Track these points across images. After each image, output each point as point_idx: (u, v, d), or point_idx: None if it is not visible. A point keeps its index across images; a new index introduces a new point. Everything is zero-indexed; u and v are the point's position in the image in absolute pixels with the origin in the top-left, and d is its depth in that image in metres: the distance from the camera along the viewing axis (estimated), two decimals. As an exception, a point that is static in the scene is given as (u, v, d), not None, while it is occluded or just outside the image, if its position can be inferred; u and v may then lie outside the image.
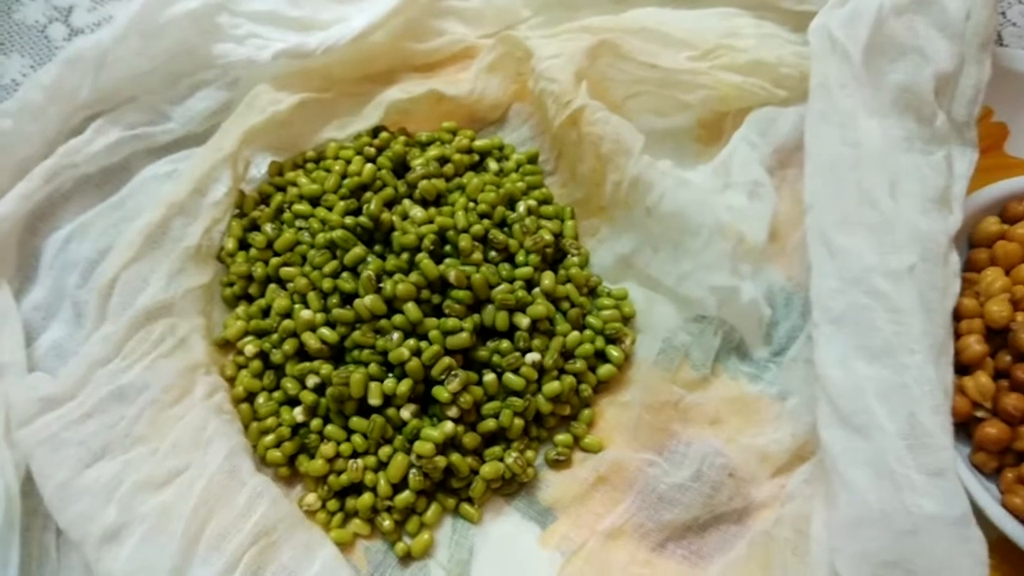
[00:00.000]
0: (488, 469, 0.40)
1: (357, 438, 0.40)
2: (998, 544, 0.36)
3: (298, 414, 0.41)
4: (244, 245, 0.45)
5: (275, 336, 0.42)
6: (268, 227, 0.44)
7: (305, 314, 0.41)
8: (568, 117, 0.44)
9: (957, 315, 0.40)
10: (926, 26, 0.40)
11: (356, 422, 0.40)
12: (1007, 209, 0.42)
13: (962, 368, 0.39)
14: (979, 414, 0.39)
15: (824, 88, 0.40)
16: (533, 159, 0.48)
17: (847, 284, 0.37)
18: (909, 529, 0.32)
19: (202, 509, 0.36)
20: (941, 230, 0.38)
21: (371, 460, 0.40)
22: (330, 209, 0.44)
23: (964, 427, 0.39)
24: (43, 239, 0.44)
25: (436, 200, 0.44)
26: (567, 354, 0.42)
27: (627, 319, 0.44)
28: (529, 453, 0.41)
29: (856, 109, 0.39)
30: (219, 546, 0.35)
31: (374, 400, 0.39)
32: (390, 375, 0.40)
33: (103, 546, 0.35)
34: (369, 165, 0.45)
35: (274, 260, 0.43)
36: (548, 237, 0.43)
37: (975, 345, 0.39)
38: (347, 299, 0.41)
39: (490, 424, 0.40)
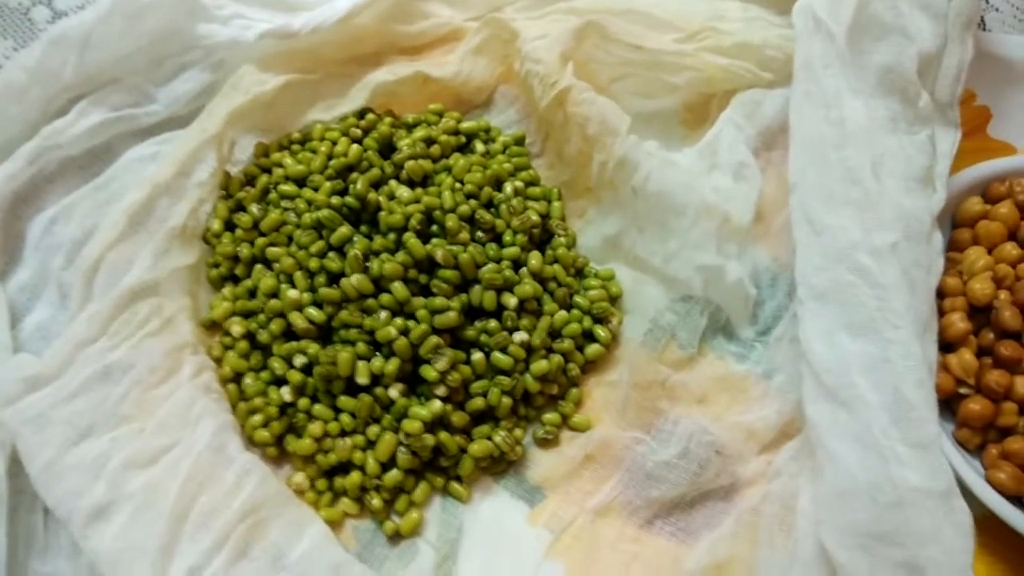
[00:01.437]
0: (476, 448, 0.40)
1: (345, 417, 0.40)
2: (983, 521, 0.37)
3: (285, 394, 0.41)
4: (230, 226, 0.44)
5: (262, 316, 0.42)
6: (254, 208, 0.44)
7: (292, 294, 0.41)
8: (554, 98, 0.44)
9: (941, 293, 0.40)
10: (909, 6, 0.40)
11: (344, 401, 0.40)
12: (989, 189, 0.43)
13: (946, 346, 0.40)
14: (963, 391, 0.39)
15: (808, 68, 0.40)
16: (520, 141, 0.48)
17: (831, 261, 0.37)
18: (895, 501, 0.33)
19: (190, 486, 0.35)
20: (924, 208, 0.39)
21: (359, 439, 0.40)
22: (316, 190, 0.43)
23: (948, 404, 0.40)
24: (27, 221, 0.44)
25: (423, 181, 0.44)
26: (554, 334, 0.42)
27: (614, 299, 0.44)
28: (517, 432, 0.41)
29: (840, 89, 0.39)
30: (207, 523, 0.35)
31: (362, 379, 0.39)
32: (377, 354, 0.40)
33: (91, 524, 0.34)
34: (355, 146, 0.44)
35: (260, 240, 0.43)
36: (535, 218, 0.43)
37: (958, 323, 0.39)
38: (334, 279, 0.41)
39: (478, 403, 0.40)
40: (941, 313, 0.40)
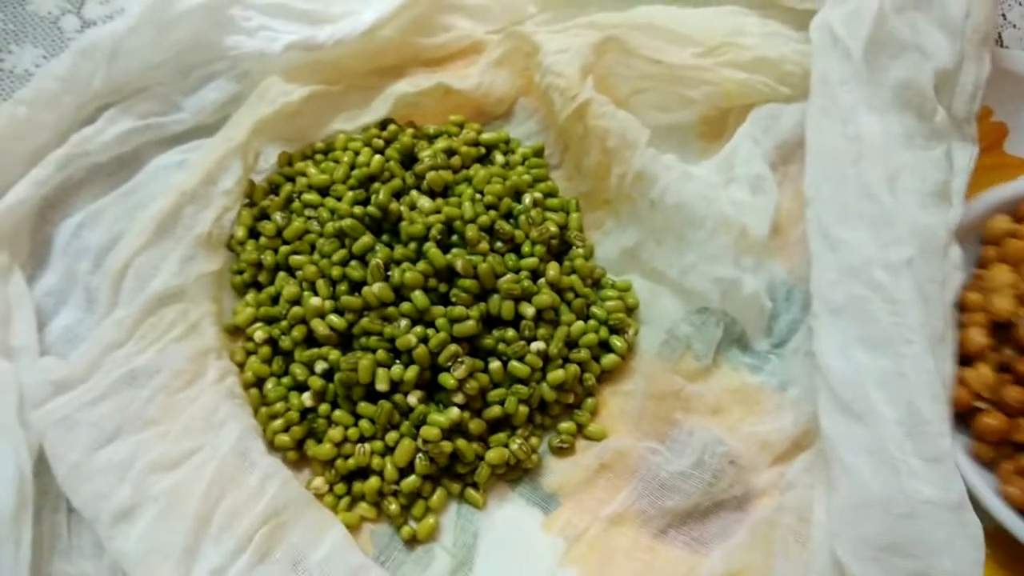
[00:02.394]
0: (493, 455, 0.41)
1: (364, 423, 0.41)
2: (995, 534, 0.37)
3: (307, 399, 0.41)
4: (254, 233, 0.45)
5: (284, 323, 0.43)
6: (278, 216, 0.45)
7: (314, 301, 0.41)
8: (574, 111, 0.44)
9: (962, 307, 0.41)
10: (926, 23, 0.41)
11: (364, 407, 0.41)
12: (1019, 208, 0.43)
13: (965, 359, 0.40)
14: (979, 405, 0.39)
15: (825, 84, 0.41)
16: (539, 152, 0.49)
17: (846, 276, 0.38)
18: (907, 513, 0.33)
19: (214, 489, 0.36)
20: (940, 223, 0.39)
21: (378, 445, 0.41)
22: (339, 199, 0.44)
23: (964, 418, 0.40)
24: (55, 226, 0.45)
25: (443, 191, 0.45)
26: (571, 343, 0.43)
27: (631, 310, 0.45)
28: (533, 440, 0.42)
29: (857, 105, 0.40)
30: (230, 526, 0.35)
31: (381, 386, 0.40)
32: (397, 361, 0.41)
33: (116, 525, 0.35)
34: (377, 156, 0.45)
35: (283, 248, 0.44)
36: (553, 229, 0.44)
37: (978, 337, 0.40)
38: (355, 287, 0.42)
39: (495, 411, 0.41)
40: (961, 327, 0.40)
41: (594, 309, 0.44)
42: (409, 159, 0.46)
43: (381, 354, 0.40)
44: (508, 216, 0.45)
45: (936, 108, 0.40)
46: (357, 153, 0.46)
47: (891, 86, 0.40)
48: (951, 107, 0.42)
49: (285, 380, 0.42)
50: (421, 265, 0.41)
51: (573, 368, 0.42)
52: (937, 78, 0.40)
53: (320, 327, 0.41)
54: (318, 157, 0.47)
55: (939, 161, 0.40)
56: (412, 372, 0.40)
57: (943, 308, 0.38)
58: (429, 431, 0.39)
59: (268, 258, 0.44)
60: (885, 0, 0.40)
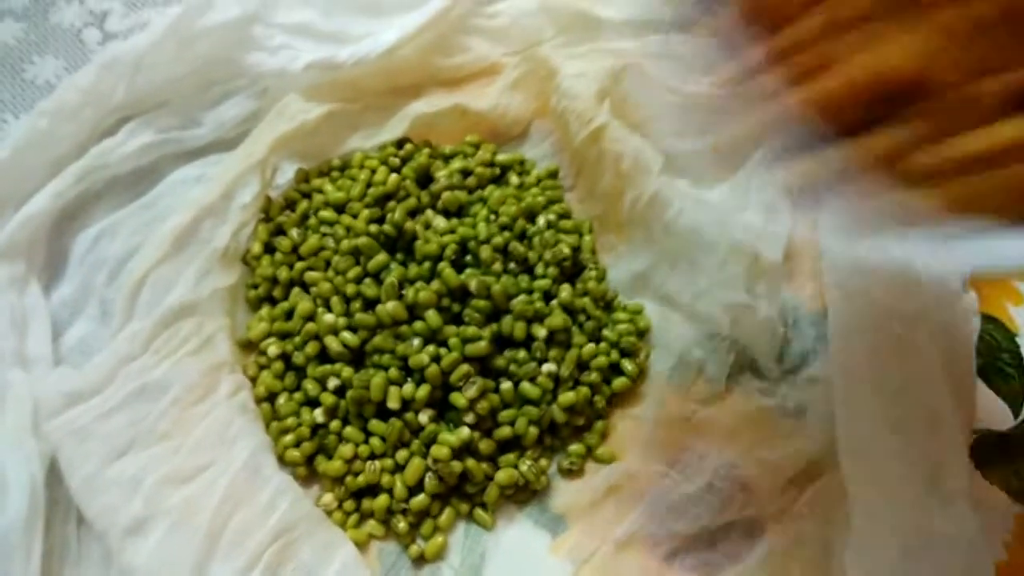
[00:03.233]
0: (502, 475, 0.41)
1: (375, 440, 0.41)
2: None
3: (318, 415, 0.41)
4: (269, 249, 0.45)
5: (297, 338, 0.43)
6: (294, 232, 0.45)
7: (328, 318, 0.42)
8: (589, 134, 0.45)
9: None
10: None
11: (375, 425, 0.41)
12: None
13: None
14: None
15: None
16: (553, 174, 0.49)
17: (862, 323, 0.39)
18: (923, 546, 0.34)
19: (226, 505, 0.36)
20: (952, 272, 0.40)
21: (388, 462, 0.41)
22: (355, 217, 0.45)
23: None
24: (72, 237, 0.45)
25: (458, 211, 0.45)
26: (583, 365, 0.43)
27: (642, 333, 0.45)
28: (543, 461, 0.42)
29: None
30: (242, 542, 0.36)
31: (393, 404, 0.40)
32: (409, 380, 0.41)
33: (127, 538, 0.35)
34: (394, 175, 0.46)
35: (299, 264, 0.44)
36: (566, 251, 0.44)
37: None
38: (369, 304, 0.42)
39: (505, 431, 0.41)
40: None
41: (605, 332, 0.44)
42: (425, 178, 0.47)
43: (393, 372, 0.41)
44: (522, 237, 0.45)
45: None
46: (373, 171, 0.46)
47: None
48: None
49: (297, 395, 0.42)
50: (435, 284, 0.41)
51: (584, 390, 0.42)
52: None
53: (333, 343, 0.41)
54: (334, 174, 0.48)
55: None
56: (424, 391, 0.40)
57: (959, 355, 0.38)
58: (439, 450, 0.40)
59: (283, 273, 0.44)
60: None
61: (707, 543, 0.39)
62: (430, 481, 0.40)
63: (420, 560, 0.40)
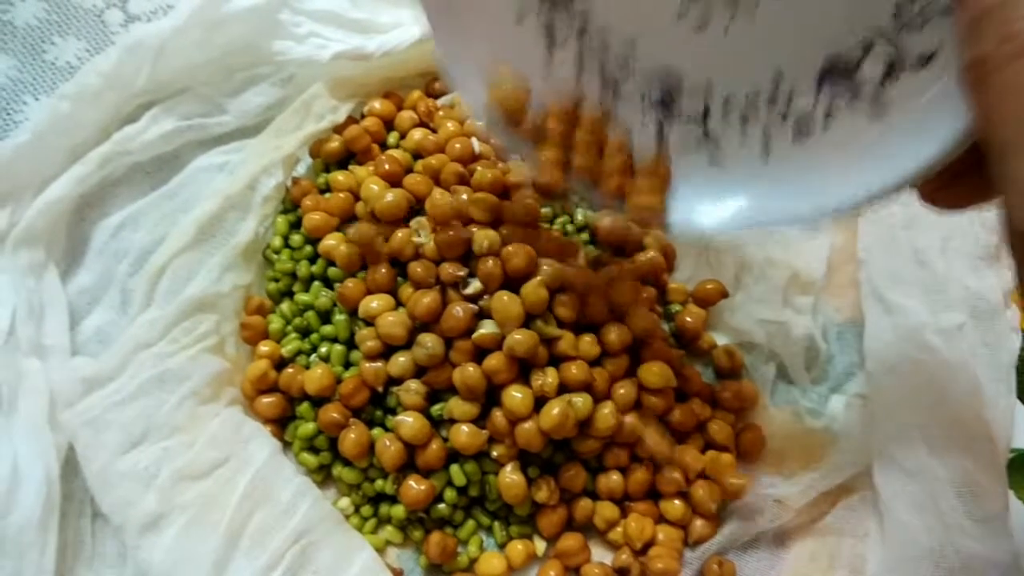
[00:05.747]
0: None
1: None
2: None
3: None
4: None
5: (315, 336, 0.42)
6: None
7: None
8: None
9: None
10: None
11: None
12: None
13: None
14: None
15: None
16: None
17: (901, 339, 0.39)
18: (958, 567, 0.33)
19: (246, 503, 0.36)
20: (993, 286, 0.39)
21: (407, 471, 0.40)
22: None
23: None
24: (92, 224, 0.44)
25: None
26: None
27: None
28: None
29: None
30: (263, 541, 0.35)
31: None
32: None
33: (144, 534, 0.34)
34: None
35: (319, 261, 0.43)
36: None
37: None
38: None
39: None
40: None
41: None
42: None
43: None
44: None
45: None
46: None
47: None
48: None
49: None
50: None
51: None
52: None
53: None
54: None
55: (991, 223, 0.40)
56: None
57: (998, 371, 0.37)
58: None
59: (303, 269, 0.43)
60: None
61: (737, 554, 0.39)
62: (449, 491, 0.39)
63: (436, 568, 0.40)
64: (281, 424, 0.41)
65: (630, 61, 0.31)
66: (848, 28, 0.27)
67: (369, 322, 0.40)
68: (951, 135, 0.25)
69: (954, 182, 0.26)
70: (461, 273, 0.38)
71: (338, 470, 0.40)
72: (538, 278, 0.37)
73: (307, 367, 0.41)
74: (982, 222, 0.40)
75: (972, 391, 0.37)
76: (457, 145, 0.43)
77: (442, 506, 0.39)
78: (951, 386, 0.37)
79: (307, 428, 0.40)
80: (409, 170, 0.44)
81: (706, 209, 0.32)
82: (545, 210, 0.44)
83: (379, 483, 0.39)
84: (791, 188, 0.30)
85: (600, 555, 0.40)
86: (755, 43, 0.29)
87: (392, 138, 0.46)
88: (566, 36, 0.31)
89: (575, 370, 0.38)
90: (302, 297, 0.43)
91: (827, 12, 0.27)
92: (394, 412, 0.39)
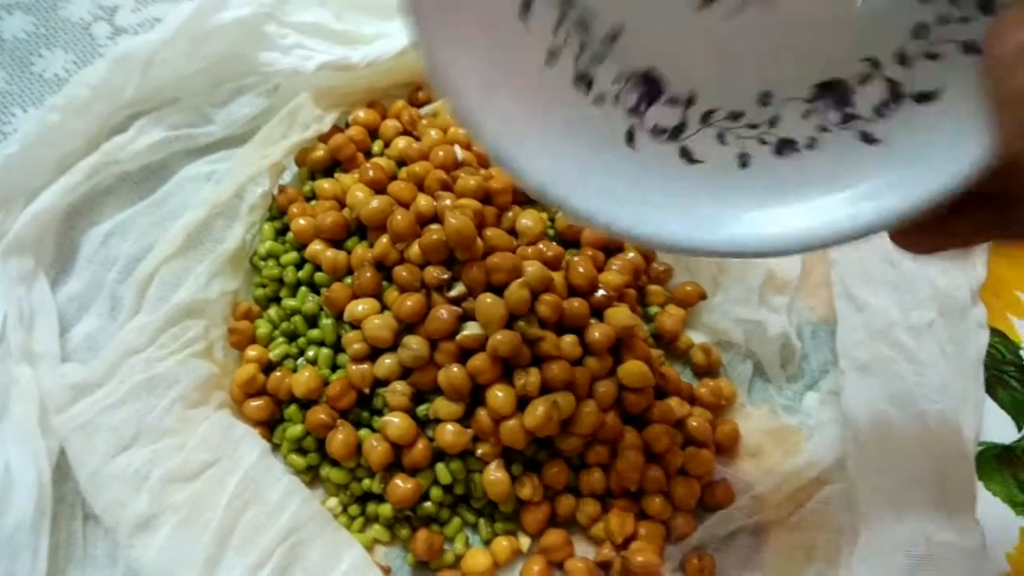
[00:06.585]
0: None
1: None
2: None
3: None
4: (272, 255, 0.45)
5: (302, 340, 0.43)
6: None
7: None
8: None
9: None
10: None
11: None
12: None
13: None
14: None
15: None
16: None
17: (872, 337, 0.40)
18: (929, 555, 0.34)
19: (236, 503, 0.36)
20: (961, 285, 0.41)
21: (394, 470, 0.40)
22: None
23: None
24: (81, 233, 0.45)
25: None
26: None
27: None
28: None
29: None
30: (253, 540, 0.36)
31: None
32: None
33: (136, 534, 0.35)
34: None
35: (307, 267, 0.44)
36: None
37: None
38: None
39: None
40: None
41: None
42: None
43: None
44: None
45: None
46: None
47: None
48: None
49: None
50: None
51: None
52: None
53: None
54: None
55: None
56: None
57: (966, 366, 0.39)
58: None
59: (290, 275, 0.44)
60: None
61: (717, 549, 0.40)
62: (436, 488, 0.40)
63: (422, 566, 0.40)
64: (269, 427, 0.42)
65: (609, 53, 0.27)
66: (853, 54, 0.26)
67: (355, 325, 0.41)
68: (950, 174, 0.24)
69: (924, 227, 0.26)
70: (445, 276, 0.39)
71: (326, 470, 0.41)
72: (520, 279, 0.38)
73: (294, 370, 0.42)
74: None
75: (942, 386, 0.38)
76: (440, 152, 0.44)
77: (428, 504, 0.40)
78: (921, 381, 0.38)
79: (295, 430, 0.41)
80: (393, 177, 0.45)
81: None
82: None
83: (366, 482, 0.40)
84: (768, 203, 0.27)
85: (583, 550, 0.40)
86: (751, 55, 0.27)
87: (376, 146, 0.47)
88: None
89: (557, 369, 0.38)
90: (289, 302, 0.43)
91: (838, 33, 0.26)
92: (380, 413, 0.40)
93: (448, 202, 0.41)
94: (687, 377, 0.44)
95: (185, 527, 0.35)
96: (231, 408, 0.41)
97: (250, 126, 0.47)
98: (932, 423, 0.38)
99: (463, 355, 0.39)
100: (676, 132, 0.28)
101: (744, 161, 0.28)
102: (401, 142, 0.46)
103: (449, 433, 0.39)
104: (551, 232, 0.45)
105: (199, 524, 0.35)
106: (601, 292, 0.41)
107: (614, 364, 0.41)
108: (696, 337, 0.45)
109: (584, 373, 0.40)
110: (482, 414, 0.39)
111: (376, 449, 0.39)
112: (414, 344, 0.39)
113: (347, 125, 0.48)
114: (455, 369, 0.38)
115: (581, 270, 0.41)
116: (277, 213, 0.46)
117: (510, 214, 0.43)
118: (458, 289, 0.39)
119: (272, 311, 0.44)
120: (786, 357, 0.43)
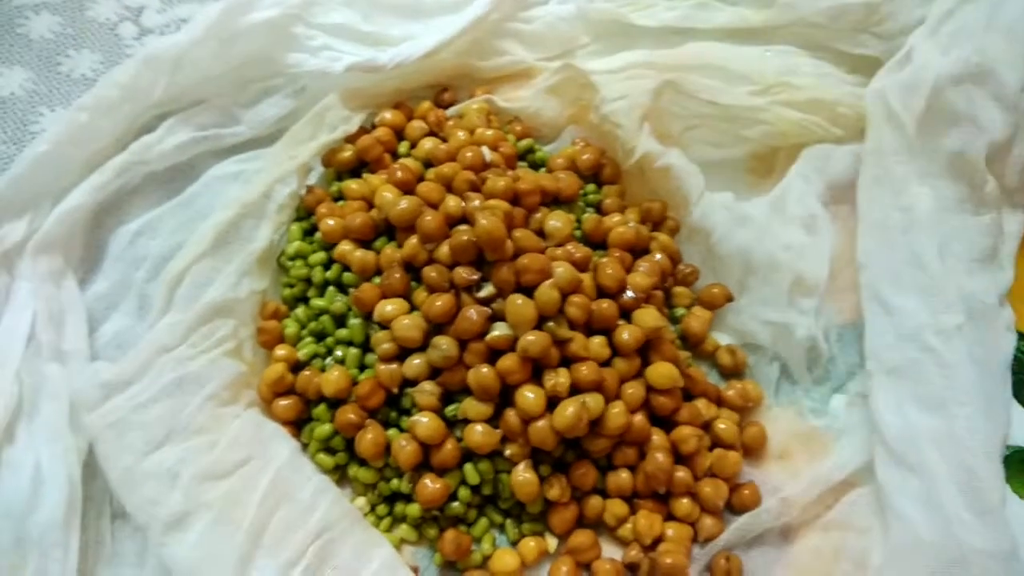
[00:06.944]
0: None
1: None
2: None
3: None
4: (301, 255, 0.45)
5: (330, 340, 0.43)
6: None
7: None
8: (635, 163, 0.46)
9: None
10: (982, 96, 0.42)
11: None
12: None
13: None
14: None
15: (878, 154, 0.43)
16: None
17: (901, 340, 0.40)
18: (958, 559, 0.34)
19: (268, 501, 0.36)
20: (989, 288, 0.41)
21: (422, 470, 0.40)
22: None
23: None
24: (109, 232, 0.45)
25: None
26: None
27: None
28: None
29: (908, 176, 0.42)
30: (285, 538, 0.36)
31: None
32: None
33: (169, 532, 0.35)
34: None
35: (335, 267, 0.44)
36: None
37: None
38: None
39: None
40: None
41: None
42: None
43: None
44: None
45: (987, 178, 0.42)
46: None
47: (943, 157, 0.42)
48: (1003, 177, 0.42)
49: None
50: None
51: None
52: (990, 150, 0.41)
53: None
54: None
55: (987, 227, 0.41)
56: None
57: (994, 370, 0.39)
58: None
59: (317, 275, 0.44)
60: (942, 72, 0.41)
61: (743, 550, 0.40)
62: (464, 489, 0.40)
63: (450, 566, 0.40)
64: (297, 426, 0.42)
65: None
66: None
67: (384, 325, 0.41)
68: None
69: None
70: (475, 277, 0.40)
71: (354, 470, 0.41)
72: (550, 280, 0.39)
73: (323, 370, 0.42)
74: (978, 225, 0.41)
75: (970, 389, 0.38)
76: (468, 154, 0.44)
77: (456, 504, 0.40)
78: (950, 384, 0.38)
79: (323, 429, 0.41)
80: (421, 178, 0.45)
81: None
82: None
83: (395, 482, 0.40)
84: None
85: (610, 551, 0.40)
86: None
87: (403, 147, 0.48)
88: None
89: (586, 370, 0.39)
90: (317, 302, 0.44)
91: None
92: (409, 413, 0.40)
93: (477, 203, 0.41)
94: (713, 379, 0.44)
95: (218, 525, 0.35)
96: (260, 407, 0.42)
97: (277, 127, 0.48)
98: (960, 426, 0.38)
99: (492, 356, 0.39)
100: None
101: None
102: (428, 143, 0.46)
103: (478, 433, 0.39)
104: (578, 234, 0.45)
105: (231, 522, 0.35)
106: (629, 294, 0.41)
107: (642, 366, 0.41)
108: (722, 339, 0.45)
109: (612, 374, 0.40)
110: (511, 415, 0.39)
111: (405, 449, 0.39)
112: (444, 344, 0.39)
113: (373, 126, 0.48)
114: (484, 370, 0.38)
115: (609, 271, 0.41)
116: (304, 213, 0.46)
117: (538, 215, 0.43)
118: (487, 290, 0.39)
119: (300, 311, 0.44)
120: (813, 359, 0.43)
